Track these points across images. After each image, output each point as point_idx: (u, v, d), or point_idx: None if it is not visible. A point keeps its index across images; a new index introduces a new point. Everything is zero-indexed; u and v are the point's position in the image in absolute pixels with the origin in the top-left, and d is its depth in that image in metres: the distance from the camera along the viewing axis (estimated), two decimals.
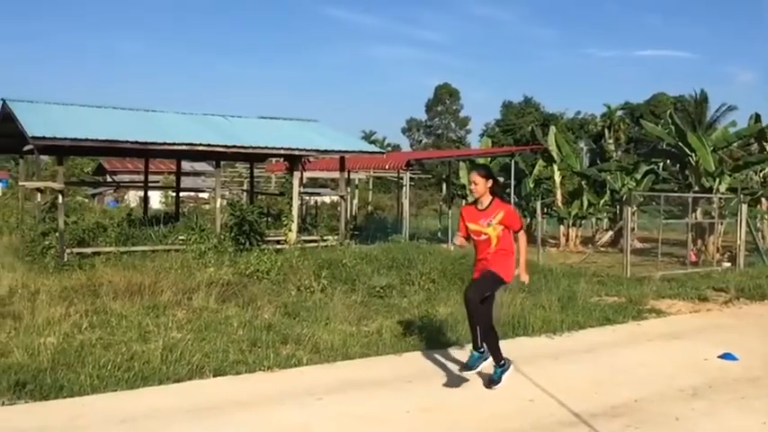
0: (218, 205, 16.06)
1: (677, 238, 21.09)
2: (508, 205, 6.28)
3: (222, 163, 17.78)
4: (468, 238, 6.23)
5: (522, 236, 6.23)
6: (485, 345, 6.09)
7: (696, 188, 19.46)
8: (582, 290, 11.46)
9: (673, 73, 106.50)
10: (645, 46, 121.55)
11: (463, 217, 6.26)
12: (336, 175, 19.30)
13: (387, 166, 22.86)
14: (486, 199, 6.13)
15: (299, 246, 14.60)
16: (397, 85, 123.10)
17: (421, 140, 78.26)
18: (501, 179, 25.12)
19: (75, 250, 13.25)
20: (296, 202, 16.78)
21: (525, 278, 6.41)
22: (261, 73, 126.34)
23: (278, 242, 15.35)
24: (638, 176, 23.28)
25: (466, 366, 6.19)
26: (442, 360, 7.24)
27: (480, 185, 6.12)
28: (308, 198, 27.60)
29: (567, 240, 23.37)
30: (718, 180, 19.48)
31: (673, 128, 20.59)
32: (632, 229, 18.61)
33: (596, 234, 24.63)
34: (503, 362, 6.15)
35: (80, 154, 27.55)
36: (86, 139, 13.62)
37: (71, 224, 14.16)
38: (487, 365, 6.16)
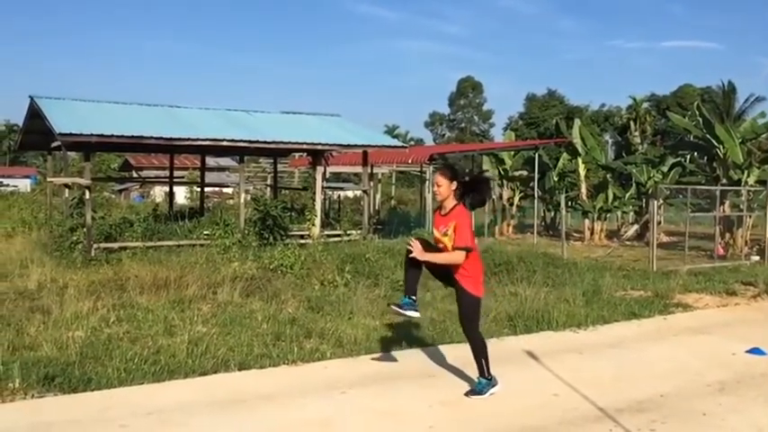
0: (242, 200, 16.18)
1: (705, 232, 20.82)
2: (465, 218, 5.51)
3: (246, 158, 17.90)
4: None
5: (456, 252, 5.46)
6: (491, 377, 5.71)
7: (724, 180, 19.16)
8: (607, 284, 11.36)
9: (699, 64, 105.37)
10: (671, 37, 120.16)
11: (433, 222, 5.83)
12: (359, 169, 19.32)
13: (410, 161, 22.82)
14: (449, 203, 5.57)
15: (323, 240, 14.65)
16: (420, 80, 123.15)
17: (444, 134, 78.16)
18: (525, 173, 25.20)
19: (103, 245, 13.44)
20: (319, 197, 16.83)
21: (422, 256, 5.50)
22: (283, 69, 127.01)
23: (301, 237, 15.42)
24: (665, 169, 22.99)
25: (396, 304, 5.86)
26: (465, 354, 7.20)
27: (443, 188, 5.54)
28: (331, 193, 27.65)
29: (592, 234, 23.18)
30: (746, 172, 19.16)
31: (700, 119, 20.28)
32: (659, 223, 18.41)
33: (622, 228, 24.38)
34: (490, 377, 5.70)
35: (106, 150, 27.90)
36: (112, 135, 13.78)
37: (98, 219, 14.37)
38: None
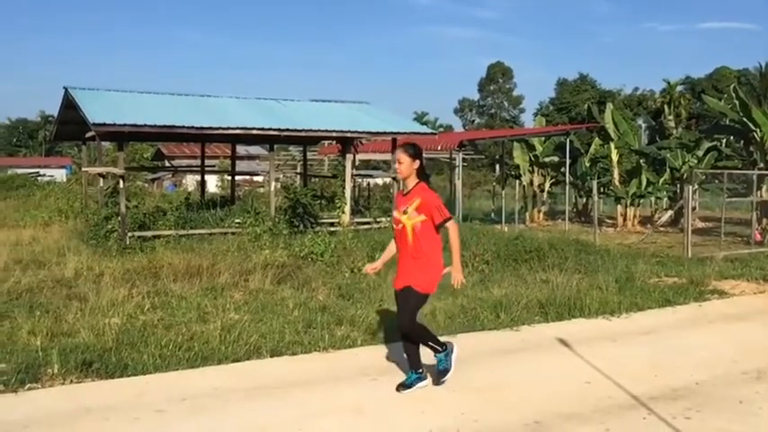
0: (272, 188, 16.29)
1: (741, 217, 20.45)
2: (430, 192, 5.46)
3: (276, 146, 17.98)
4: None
5: (451, 227, 5.36)
6: (446, 345, 5.60)
7: (761, 165, 18.73)
8: (640, 271, 11.22)
9: (736, 45, 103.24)
10: (707, 18, 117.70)
11: (395, 204, 5.66)
12: (389, 156, 19.27)
13: (439, 147, 22.71)
14: (411, 182, 5.46)
15: (353, 228, 14.69)
16: (450, 65, 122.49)
17: (473, 120, 77.63)
18: (556, 158, 24.93)
19: (137, 234, 13.64)
20: (348, 185, 16.86)
21: (458, 278, 5.41)
22: (312, 56, 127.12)
23: (331, 224, 15.48)
24: (700, 154, 22.56)
25: (441, 372, 5.60)
26: (496, 342, 7.21)
27: (405, 165, 5.41)
28: (360, 180, 27.69)
29: (625, 220, 22.88)
30: None
31: (736, 102, 19.82)
32: (693, 209, 18.09)
33: (656, 214, 24.03)
34: (421, 370, 5.58)
35: (139, 139, 28.26)
36: (145, 125, 13.96)
37: (132, 208, 14.58)
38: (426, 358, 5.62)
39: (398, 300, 5.58)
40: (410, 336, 5.52)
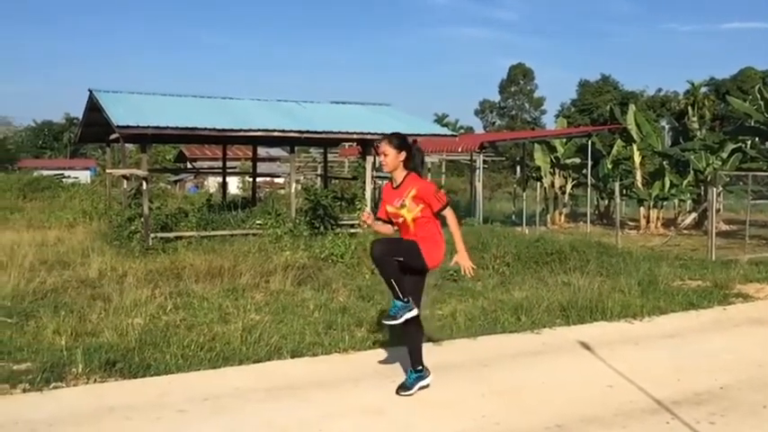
0: (292, 190, 16.39)
1: (766, 220, 20.13)
2: (424, 181, 5.36)
3: (296, 148, 18.07)
4: (391, 222, 5.48)
5: (449, 214, 5.23)
6: (410, 299, 5.25)
7: None
8: (664, 273, 11.09)
9: (761, 46, 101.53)
10: (731, 18, 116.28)
11: (383, 198, 5.49)
12: None
13: (459, 149, 22.64)
14: (400, 175, 5.28)
15: (373, 230, 14.68)
16: (470, 67, 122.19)
17: (494, 122, 77.34)
18: (578, 160, 24.76)
19: (159, 235, 13.78)
20: (369, 186, 16.89)
21: (466, 265, 5.31)
22: (332, 57, 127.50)
23: (352, 226, 15.51)
24: (724, 155, 22.25)
25: (389, 316, 5.29)
26: (517, 344, 7.17)
27: (390, 157, 5.23)
28: (380, 182, 27.70)
29: (648, 223, 22.66)
30: None
31: (762, 104, 19.57)
32: (717, 211, 17.88)
33: (679, 216, 23.77)
34: (420, 368, 5.43)
35: (162, 141, 28.56)
36: (167, 127, 14.10)
37: (155, 210, 14.74)
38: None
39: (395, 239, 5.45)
40: (377, 263, 5.29)
